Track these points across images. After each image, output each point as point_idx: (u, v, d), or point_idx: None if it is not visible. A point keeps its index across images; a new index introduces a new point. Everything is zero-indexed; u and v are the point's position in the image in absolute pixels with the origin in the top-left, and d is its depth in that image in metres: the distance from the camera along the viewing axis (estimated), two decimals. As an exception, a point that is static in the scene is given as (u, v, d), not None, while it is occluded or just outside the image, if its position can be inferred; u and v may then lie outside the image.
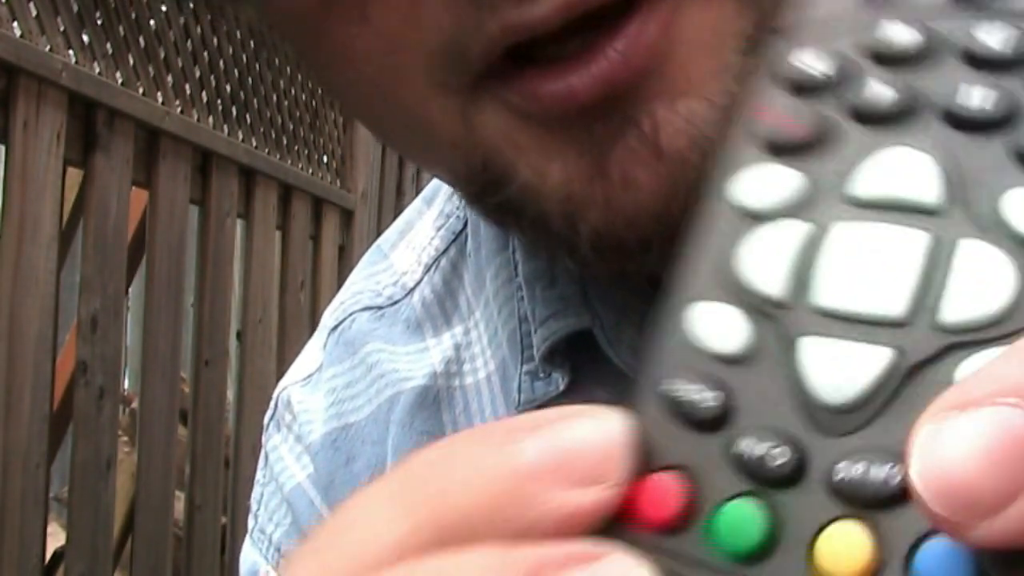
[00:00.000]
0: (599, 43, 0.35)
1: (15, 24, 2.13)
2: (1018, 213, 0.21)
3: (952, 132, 0.23)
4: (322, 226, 3.49)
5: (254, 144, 3.07)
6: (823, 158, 0.23)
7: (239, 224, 3.03)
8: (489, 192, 0.39)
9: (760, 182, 0.24)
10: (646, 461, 0.22)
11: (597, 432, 0.22)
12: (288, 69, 3.23)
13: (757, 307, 0.23)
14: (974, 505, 0.18)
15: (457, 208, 0.56)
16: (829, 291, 0.22)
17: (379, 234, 0.64)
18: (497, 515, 0.21)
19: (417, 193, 0.68)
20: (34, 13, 2.19)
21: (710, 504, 0.22)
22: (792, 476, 0.21)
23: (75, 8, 2.34)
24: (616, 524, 0.22)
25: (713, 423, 0.22)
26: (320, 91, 3.25)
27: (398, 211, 0.69)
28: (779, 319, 0.22)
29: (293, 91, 3.33)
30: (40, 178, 2.16)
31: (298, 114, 3.36)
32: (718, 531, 0.21)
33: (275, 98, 3.22)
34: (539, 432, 0.22)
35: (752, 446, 0.21)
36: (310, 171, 3.41)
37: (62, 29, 2.28)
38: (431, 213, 0.58)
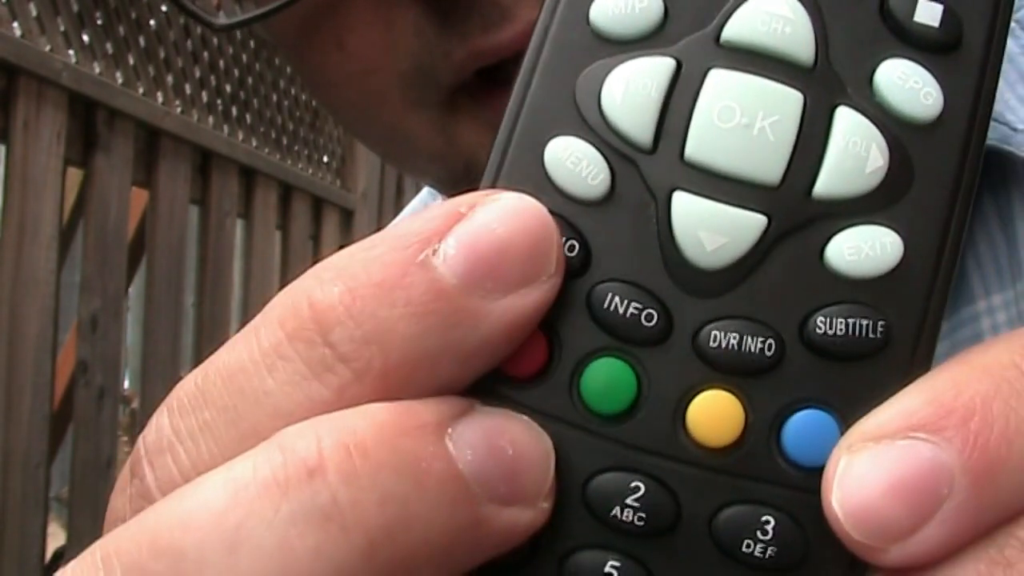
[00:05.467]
0: None
1: (15, 24, 2.13)
2: (892, 88, 0.22)
3: None
4: (322, 226, 3.49)
5: (254, 144, 3.07)
6: None
7: (239, 224, 3.03)
8: None
9: (619, 3, 0.23)
10: None
11: (513, 223, 0.21)
12: (288, 69, 3.22)
13: (618, 149, 0.22)
14: (888, 533, 0.19)
15: None
16: (702, 144, 0.22)
17: (379, 233, 0.64)
18: (444, 340, 0.20)
19: (417, 192, 0.68)
20: (34, 13, 2.19)
21: (572, 358, 0.21)
22: (659, 336, 0.21)
23: (75, 8, 2.34)
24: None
25: (569, 269, 0.21)
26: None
27: (398, 211, 0.69)
28: (643, 166, 0.22)
29: (293, 91, 3.33)
30: (40, 178, 2.16)
31: (298, 114, 3.36)
32: (584, 389, 0.21)
33: (275, 98, 3.22)
34: (456, 236, 0.21)
35: (615, 301, 0.21)
36: (310, 171, 3.41)
37: (62, 29, 2.28)
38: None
